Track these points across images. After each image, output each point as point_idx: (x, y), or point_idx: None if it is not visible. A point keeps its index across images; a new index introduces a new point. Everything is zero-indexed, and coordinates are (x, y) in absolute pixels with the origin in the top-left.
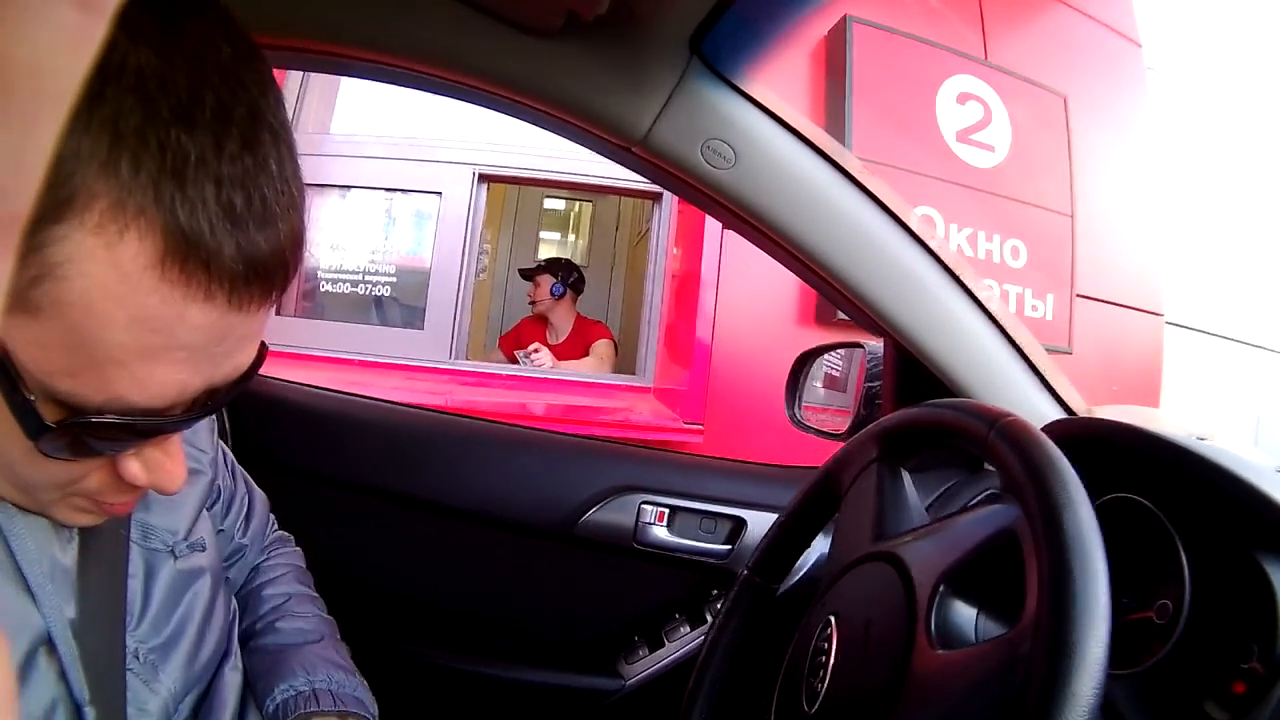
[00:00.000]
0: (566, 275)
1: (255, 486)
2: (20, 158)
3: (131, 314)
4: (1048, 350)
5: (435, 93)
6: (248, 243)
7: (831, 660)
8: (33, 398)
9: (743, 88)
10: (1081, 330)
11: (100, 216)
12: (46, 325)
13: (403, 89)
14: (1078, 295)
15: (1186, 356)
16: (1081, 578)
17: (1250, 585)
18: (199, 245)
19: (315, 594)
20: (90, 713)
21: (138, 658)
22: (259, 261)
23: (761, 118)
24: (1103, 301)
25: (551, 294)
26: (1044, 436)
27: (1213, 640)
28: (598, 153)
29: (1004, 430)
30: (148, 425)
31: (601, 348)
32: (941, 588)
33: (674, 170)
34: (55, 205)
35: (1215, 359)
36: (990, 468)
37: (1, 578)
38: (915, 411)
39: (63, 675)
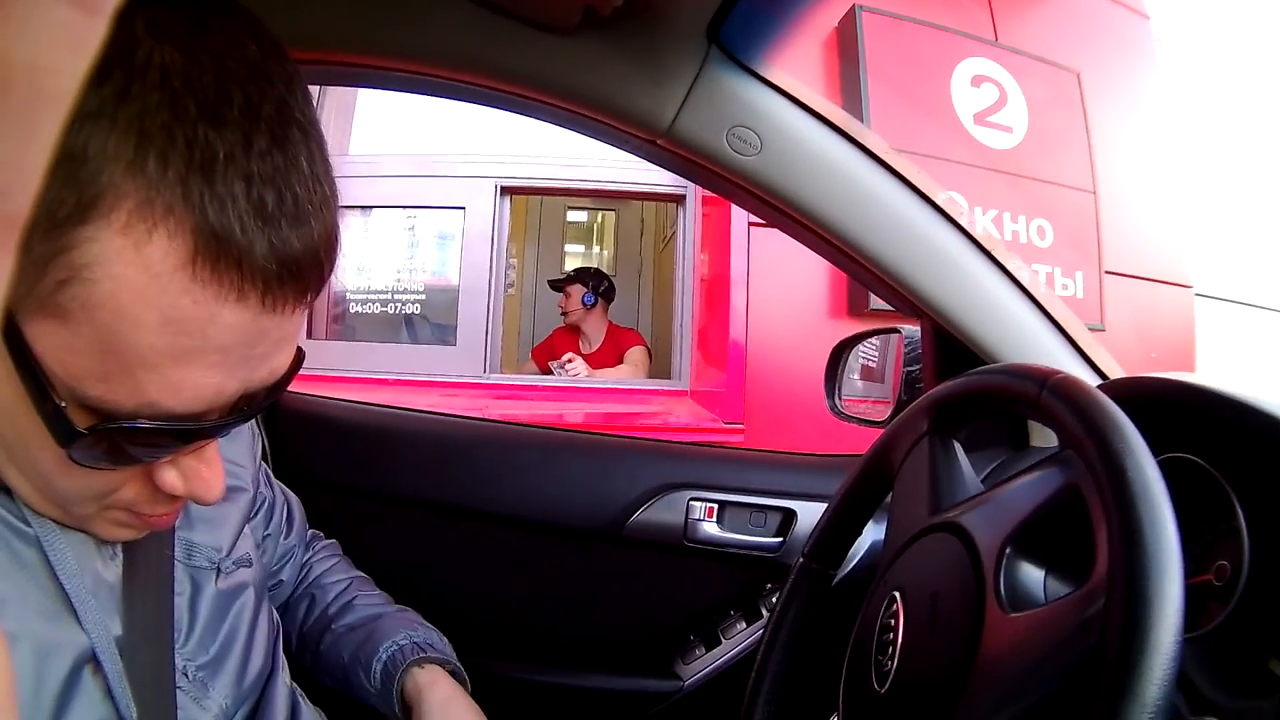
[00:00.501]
0: (597, 284)
1: (287, 489)
2: (20, 157)
3: (163, 315)
4: None
5: (456, 98)
6: (280, 241)
7: (899, 637)
8: (63, 404)
9: (763, 74)
10: (1113, 306)
11: (128, 216)
12: (76, 330)
13: (421, 101)
14: (1106, 271)
15: (1218, 327)
16: (1152, 528)
17: None
18: (230, 244)
19: (366, 575)
20: None
21: (186, 675)
22: (292, 260)
23: (784, 103)
24: (1131, 276)
25: (583, 304)
26: (1097, 390)
27: (1274, 598)
28: (623, 148)
29: (1056, 388)
30: (183, 431)
31: (636, 354)
32: (1008, 551)
33: (701, 160)
34: (81, 206)
35: (1247, 328)
36: (1037, 445)
37: (42, 595)
38: (963, 381)
39: (109, 693)
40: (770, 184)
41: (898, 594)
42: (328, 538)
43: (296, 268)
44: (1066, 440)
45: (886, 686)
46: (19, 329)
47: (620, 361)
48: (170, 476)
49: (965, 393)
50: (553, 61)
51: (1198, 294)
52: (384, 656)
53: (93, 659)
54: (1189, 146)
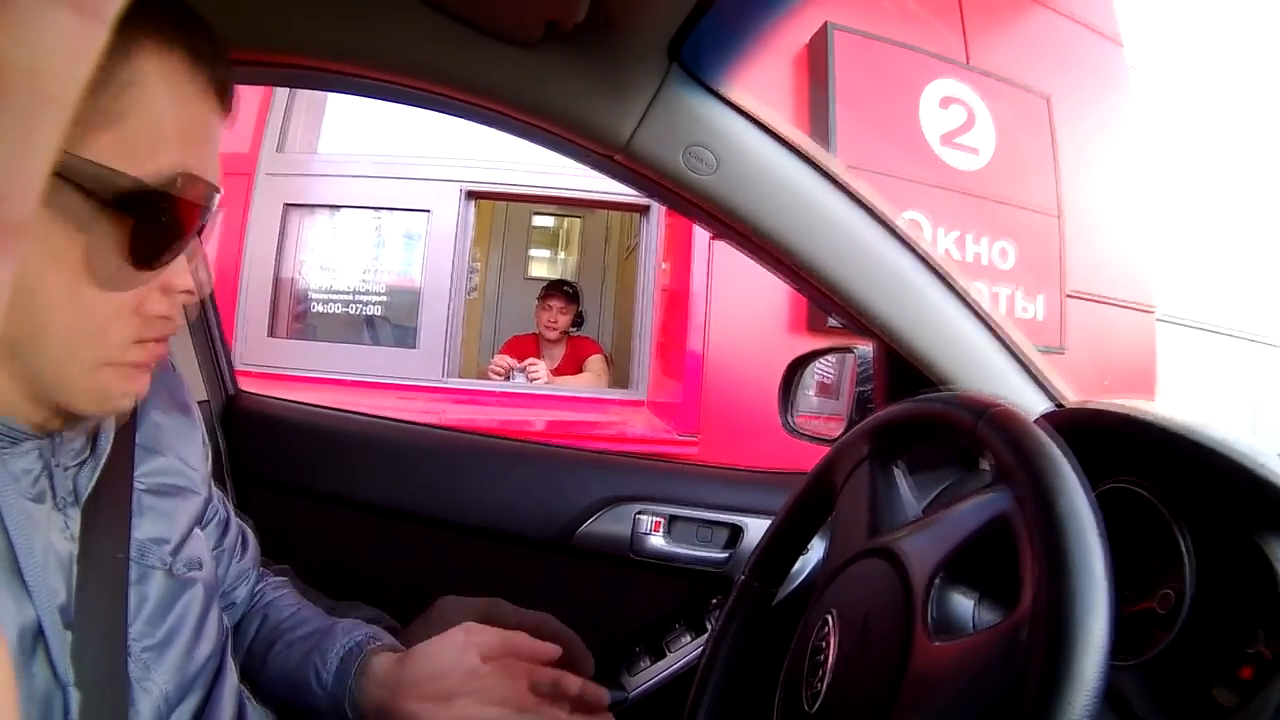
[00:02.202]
0: (579, 305)
1: (244, 523)
2: (21, 162)
3: (174, 99)
4: (1041, 351)
5: (418, 106)
6: (222, 73)
7: (830, 658)
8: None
9: (722, 93)
10: (1074, 329)
11: (155, 46)
12: (128, 124)
13: (387, 106)
14: (1068, 294)
15: (1180, 351)
16: (1078, 559)
17: (1252, 569)
18: (206, 63)
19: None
20: (74, 695)
21: (130, 654)
22: (229, 85)
23: (742, 123)
24: (1093, 300)
25: (575, 324)
26: (1032, 424)
27: (1217, 626)
28: (580, 162)
29: (992, 419)
30: (192, 189)
31: (596, 363)
32: (938, 579)
33: (656, 178)
34: (125, 44)
35: (1209, 352)
36: (985, 468)
37: None
38: (904, 406)
39: (51, 663)
40: (725, 203)
41: (831, 615)
42: (280, 538)
43: (228, 90)
44: (1000, 471)
45: (816, 706)
46: (77, 155)
47: (580, 371)
48: (184, 276)
49: (905, 419)
50: (514, 73)
51: (1159, 318)
52: (341, 651)
53: (39, 628)
54: (1158, 171)
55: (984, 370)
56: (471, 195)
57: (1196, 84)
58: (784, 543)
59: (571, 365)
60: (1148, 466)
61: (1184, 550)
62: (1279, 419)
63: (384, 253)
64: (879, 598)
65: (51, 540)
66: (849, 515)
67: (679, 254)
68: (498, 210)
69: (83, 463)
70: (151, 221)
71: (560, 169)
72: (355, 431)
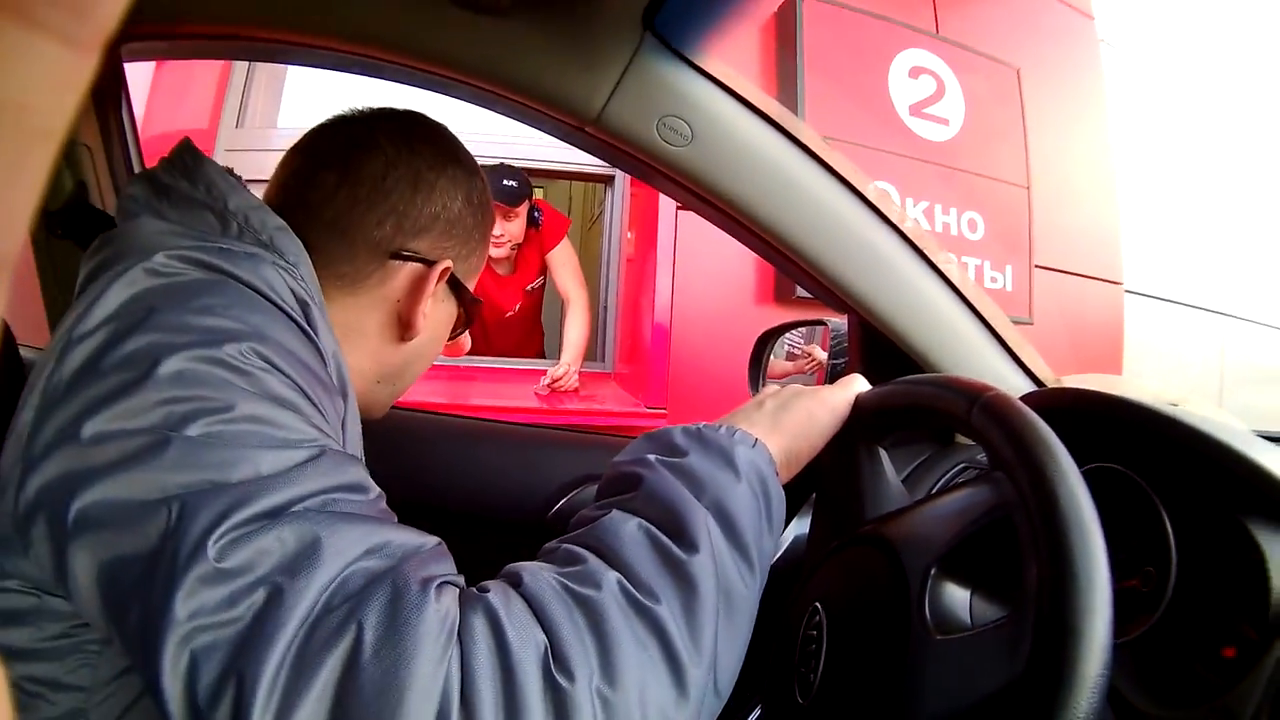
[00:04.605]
0: (530, 195)
1: None
2: (9, 197)
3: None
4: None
5: (384, 78)
6: None
7: (823, 649)
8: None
9: (698, 63)
10: (1042, 301)
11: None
12: (477, 277)
13: (348, 78)
14: (1036, 266)
15: (1147, 324)
16: (1083, 558)
17: (1238, 551)
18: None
19: None
20: None
21: None
22: None
23: (718, 93)
24: (1062, 272)
25: (531, 224)
26: (1029, 411)
27: (1201, 606)
28: (550, 134)
29: (987, 406)
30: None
31: (560, 254)
32: (933, 571)
33: (629, 149)
34: (488, 232)
35: (1176, 326)
36: (965, 441)
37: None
38: (892, 389)
39: None
40: (699, 175)
41: (820, 604)
42: None
43: None
44: (997, 462)
45: (810, 697)
46: (466, 287)
47: (543, 266)
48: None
49: (893, 403)
50: (483, 43)
51: (1128, 290)
52: None
53: None
54: (1127, 145)
55: (961, 347)
56: None
57: (1167, 58)
58: None
59: (532, 263)
60: (1130, 448)
61: (1169, 530)
62: (1244, 391)
63: None
64: (872, 588)
65: None
66: (834, 499)
67: (644, 225)
68: None
69: None
70: (470, 317)
71: (525, 139)
72: None
